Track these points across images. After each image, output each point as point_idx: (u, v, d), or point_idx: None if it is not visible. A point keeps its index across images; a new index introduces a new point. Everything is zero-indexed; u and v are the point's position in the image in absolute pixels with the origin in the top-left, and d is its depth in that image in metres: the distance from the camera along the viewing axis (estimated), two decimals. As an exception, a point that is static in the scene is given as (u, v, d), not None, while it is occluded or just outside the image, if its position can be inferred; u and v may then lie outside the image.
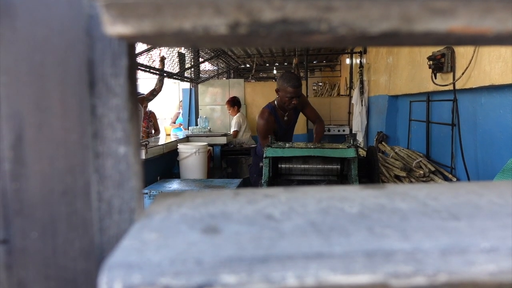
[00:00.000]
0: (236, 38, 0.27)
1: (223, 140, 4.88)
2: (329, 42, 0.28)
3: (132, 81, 0.31)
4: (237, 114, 5.48)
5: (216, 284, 0.23)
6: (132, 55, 0.31)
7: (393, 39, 0.28)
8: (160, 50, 4.12)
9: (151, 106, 4.89)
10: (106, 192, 0.31)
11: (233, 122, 5.49)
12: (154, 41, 0.29)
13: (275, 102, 2.88)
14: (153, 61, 4.19)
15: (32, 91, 0.30)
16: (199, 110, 6.13)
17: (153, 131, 4.90)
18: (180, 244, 0.27)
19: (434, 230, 0.28)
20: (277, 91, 2.81)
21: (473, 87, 2.46)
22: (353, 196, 0.37)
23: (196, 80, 5.67)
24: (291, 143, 2.42)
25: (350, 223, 0.30)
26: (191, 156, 3.98)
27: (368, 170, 2.25)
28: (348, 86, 6.72)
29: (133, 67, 0.31)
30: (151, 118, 4.91)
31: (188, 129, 5.64)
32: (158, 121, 5.42)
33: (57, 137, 0.30)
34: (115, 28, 0.24)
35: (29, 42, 0.30)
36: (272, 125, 2.89)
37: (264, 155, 2.15)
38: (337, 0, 0.23)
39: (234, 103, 5.48)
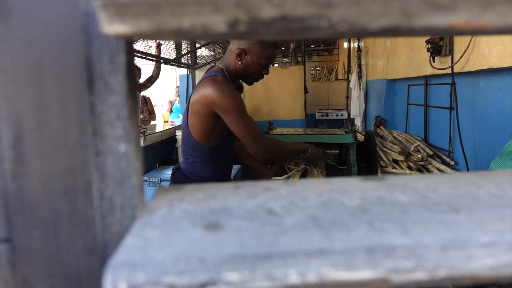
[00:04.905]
0: (235, 35, 0.27)
1: (221, 126, 4.85)
2: (328, 36, 0.28)
3: (131, 78, 0.30)
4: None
5: (219, 282, 0.24)
6: (130, 51, 0.30)
7: (393, 33, 0.28)
8: (156, 36, 4.07)
9: (149, 92, 4.87)
10: (107, 190, 0.31)
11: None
12: (152, 37, 0.28)
13: (224, 70, 1.64)
14: (150, 47, 4.15)
15: (30, 90, 0.30)
16: (197, 96, 6.09)
17: (141, 116, 4.84)
18: (183, 242, 0.27)
19: (434, 224, 0.29)
20: (239, 54, 1.61)
21: (472, 70, 2.46)
22: (353, 189, 0.38)
23: (193, 66, 5.63)
24: (289, 128, 2.41)
25: (350, 218, 0.30)
26: (190, 143, 3.98)
27: (366, 155, 2.25)
28: (346, 70, 6.69)
29: (131, 64, 0.31)
30: (146, 102, 4.88)
31: (186, 116, 5.61)
32: (156, 107, 5.40)
33: (57, 136, 0.30)
34: (112, 27, 0.24)
35: (25, 41, 0.29)
36: None
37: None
38: (337, -4, 0.23)
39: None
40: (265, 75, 1.70)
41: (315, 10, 0.24)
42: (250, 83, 1.73)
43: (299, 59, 6.42)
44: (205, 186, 0.40)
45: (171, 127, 4.49)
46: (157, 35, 0.26)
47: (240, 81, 1.77)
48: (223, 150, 1.64)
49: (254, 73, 1.66)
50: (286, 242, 0.27)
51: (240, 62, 1.62)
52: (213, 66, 1.69)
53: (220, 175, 1.68)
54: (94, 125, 0.30)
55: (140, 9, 0.23)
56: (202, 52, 6.94)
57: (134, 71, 0.31)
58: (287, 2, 0.23)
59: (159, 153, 3.94)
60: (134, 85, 0.31)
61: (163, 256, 0.25)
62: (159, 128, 4.28)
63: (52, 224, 0.31)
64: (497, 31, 0.26)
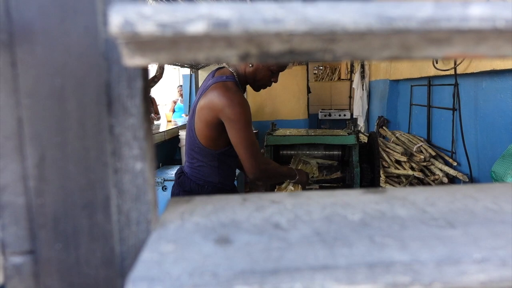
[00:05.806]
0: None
1: (224, 126, 4.87)
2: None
3: (146, 101, 0.32)
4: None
5: (231, 295, 0.26)
6: (146, 76, 0.32)
7: (393, 60, 0.30)
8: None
9: (152, 92, 4.90)
10: (124, 205, 0.33)
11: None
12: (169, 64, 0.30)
13: (235, 74, 1.58)
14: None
15: (53, 113, 0.32)
16: (200, 96, 6.11)
17: (152, 115, 4.90)
18: (196, 256, 0.29)
19: (431, 239, 0.31)
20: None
21: (474, 71, 2.47)
22: (355, 202, 0.39)
23: (196, 65, 5.65)
24: (292, 129, 2.44)
25: (352, 232, 0.32)
26: (193, 143, 4.00)
27: (369, 156, 2.27)
28: (349, 70, 6.69)
29: (147, 88, 0.33)
30: (152, 102, 4.94)
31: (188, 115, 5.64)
32: (159, 107, 5.44)
33: (77, 155, 0.32)
34: (133, 60, 0.26)
35: (49, 66, 0.31)
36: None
37: (265, 144, 2.16)
38: (341, 33, 0.25)
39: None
40: (273, 83, 1.66)
41: (321, 45, 0.26)
42: (257, 89, 1.67)
43: (302, 58, 6.41)
44: (214, 198, 0.42)
45: (174, 127, 4.52)
46: (174, 62, 0.28)
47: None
48: (231, 155, 1.61)
49: (263, 79, 1.61)
50: (292, 257, 0.29)
51: (250, 65, 1.56)
52: (222, 67, 1.64)
53: (226, 180, 1.66)
54: (113, 145, 0.32)
55: (159, 45, 0.25)
56: (205, 51, 6.94)
57: (149, 95, 0.34)
58: (295, 38, 0.25)
59: (162, 153, 3.97)
60: (149, 107, 0.33)
61: (178, 270, 0.27)
62: (162, 128, 4.31)
63: (72, 237, 0.33)
64: (491, 58, 0.28)
